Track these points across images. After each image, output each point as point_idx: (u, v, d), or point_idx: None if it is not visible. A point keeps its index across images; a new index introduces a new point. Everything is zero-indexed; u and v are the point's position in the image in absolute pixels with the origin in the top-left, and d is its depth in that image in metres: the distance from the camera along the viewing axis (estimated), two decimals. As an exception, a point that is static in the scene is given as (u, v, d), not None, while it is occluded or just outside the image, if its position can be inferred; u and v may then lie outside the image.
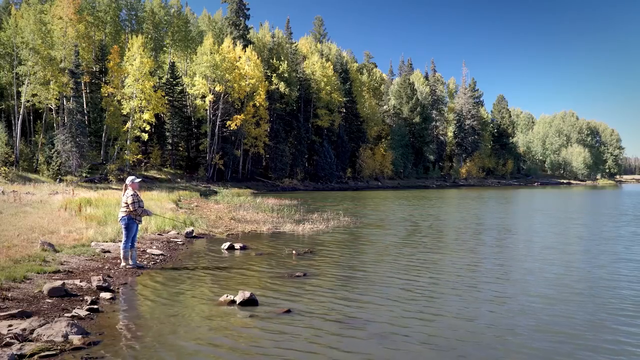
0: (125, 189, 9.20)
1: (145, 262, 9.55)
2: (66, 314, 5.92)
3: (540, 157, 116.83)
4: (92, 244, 10.63)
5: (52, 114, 41.50)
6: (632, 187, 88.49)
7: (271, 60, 60.57)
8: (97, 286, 7.21)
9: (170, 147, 51.53)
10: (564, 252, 11.84)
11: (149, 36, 52.64)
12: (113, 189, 30.92)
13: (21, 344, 4.79)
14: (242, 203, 26.39)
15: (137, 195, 9.18)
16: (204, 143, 50.32)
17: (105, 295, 6.89)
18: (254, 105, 52.23)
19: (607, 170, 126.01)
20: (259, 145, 53.68)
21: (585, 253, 11.81)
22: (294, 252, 11.14)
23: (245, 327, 5.89)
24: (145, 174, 43.70)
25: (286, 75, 59.12)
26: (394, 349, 5.23)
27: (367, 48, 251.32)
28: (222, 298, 6.88)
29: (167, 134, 50.76)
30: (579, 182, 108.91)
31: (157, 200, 21.34)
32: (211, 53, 48.55)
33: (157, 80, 47.79)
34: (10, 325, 5.29)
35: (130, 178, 9.28)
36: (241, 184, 50.89)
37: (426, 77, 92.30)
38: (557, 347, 5.38)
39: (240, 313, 6.39)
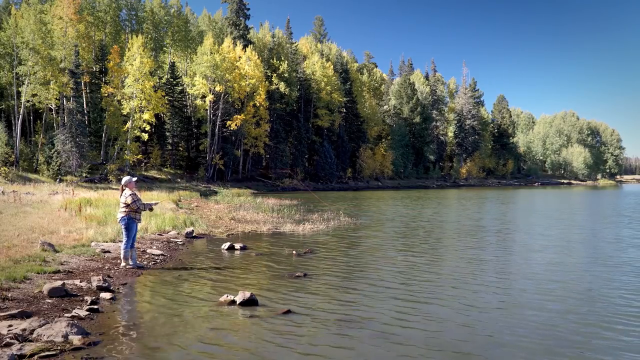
0: (122, 190, 9.20)
1: (145, 262, 9.55)
2: (66, 314, 5.91)
3: (541, 157, 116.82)
4: (92, 244, 10.63)
5: (52, 114, 41.51)
6: (632, 187, 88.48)
7: (271, 60, 60.56)
8: (97, 286, 7.20)
9: (170, 147, 51.54)
10: (562, 254, 11.83)
11: (149, 36, 52.63)
12: (113, 189, 30.90)
13: (21, 344, 4.79)
14: (242, 203, 26.39)
15: (136, 194, 9.20)
16: (204, 143, 50.31)
17: (105, 295, 6.89)
18: (254, 105, 52.22)
19: (608, 170, 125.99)
20: (259, 145, 53.66)
21: (583, 254, 11.80)
22: (294, 252, 11.13)
23: (245, 327, 5.88)
24: (145, 174, 43.70)
25: (286, 75, 59.11)
26: (394, 349, 5.22)
27: (367, 48, 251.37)
28: (222, 298, 6.88)
29: (167, 134, 50.77)
30: (579, 182, 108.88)
31: (157, 200, 21.31)
32: (211, 53, 48.53)
33: (157, 80, 47.78)
34: (10, 326, 5.28)
35: (126, 179, 9.23)
36: (241, 184, 50.86)
37: (426, 77, 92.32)
38: (555, 349, 5.37)
39: (241, 313, 6.39)
